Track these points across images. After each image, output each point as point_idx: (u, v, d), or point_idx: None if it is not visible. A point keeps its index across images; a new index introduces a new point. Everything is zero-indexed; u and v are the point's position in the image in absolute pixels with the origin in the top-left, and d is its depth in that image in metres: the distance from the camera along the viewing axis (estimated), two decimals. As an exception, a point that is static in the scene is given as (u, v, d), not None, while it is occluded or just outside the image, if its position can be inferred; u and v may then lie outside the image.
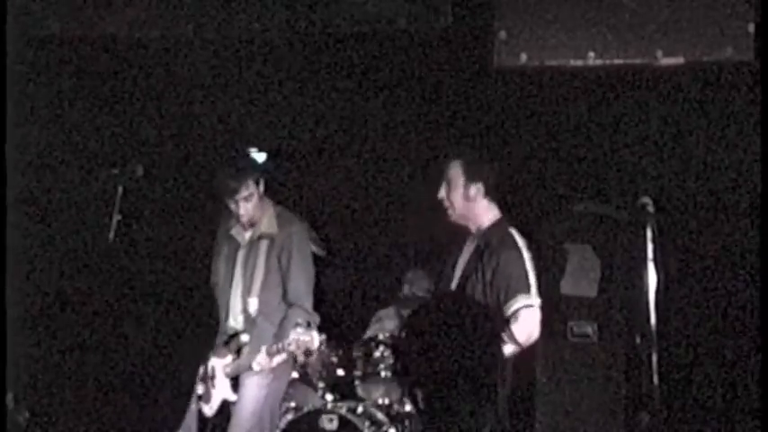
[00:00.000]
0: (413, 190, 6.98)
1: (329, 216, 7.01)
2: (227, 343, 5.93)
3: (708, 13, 5.95)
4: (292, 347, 5.57)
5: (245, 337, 5.84)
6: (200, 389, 5.97)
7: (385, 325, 6.81)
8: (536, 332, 5.16)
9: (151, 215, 7.16)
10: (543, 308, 5.20)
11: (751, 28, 5.87)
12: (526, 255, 5.18)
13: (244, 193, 5.77)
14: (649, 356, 4.94)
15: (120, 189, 5.83)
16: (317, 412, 6.18)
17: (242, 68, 7.00)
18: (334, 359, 6.42)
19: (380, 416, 6.25)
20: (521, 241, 5.23)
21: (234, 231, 6.00)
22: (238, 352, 5.87)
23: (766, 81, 5.73)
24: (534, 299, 5.15)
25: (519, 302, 5.10)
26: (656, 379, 4.89)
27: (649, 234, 4.95)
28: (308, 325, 5.64)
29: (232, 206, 5.82)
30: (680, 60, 5.99)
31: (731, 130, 6.28)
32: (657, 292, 4.97)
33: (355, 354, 6.48)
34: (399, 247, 7.18)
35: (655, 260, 4.94)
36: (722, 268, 6.27)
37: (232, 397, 5.87)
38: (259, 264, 5.88)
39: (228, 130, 7.09)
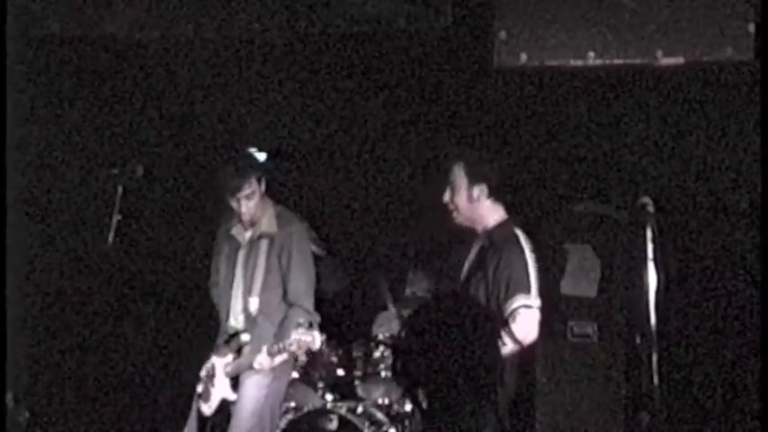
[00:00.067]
0: (413, 190, 6.98)
1: (329, 216, 7.01)
2: (227, 342, 5.93)
3: (708, 13, 5.95)
4: (294, 347, 5.57)
5: (245, 337, 5.84)
6: (199, 387, 5.98)
7: (387, 327, 6.82)
8: (534, 333, 5.17)
9: (151, 215, 7.16)
10: (543, 309, 5.20)
11: (751, 28, 5.86)
12: (529, 255, 5.19)
13: (246, 191, 5.77)
14: (649, 356, 4.94)
15: (120, 189, 5.83)
16: (317, 412, 6.18)
17: (242, 68, 7.00)
18: (334, 359, 6.43)
19: (380, 416, 6.25)
20: (525, 242, 5.24)
21: (234, 231, 6.00)
22: (239, 351, 5.87)
23: (766, 81, 5.73)
24: (534, 300, 5.15)
25: (517, 302, 5.11)
26: (656, 379, 4.89)
27: (649, 234, 4.95)
28: (310, 325, 5.64)
29: (233, 204, 5.83)
30: (680, 60, 5.99)
31: (731, 130, 6.27)
32: (657, 292, 4.97)
33: (355, 354, 6.48)
34: (399, 247, 7.18)
35: (655, 260, 4.94)
36: (722, 268, 6.26)
37: (231, 396, 5.87)
38: (260, 263, 5.88)
39: (228, 130, 7.09)
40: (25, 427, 6.33)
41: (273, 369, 5.77)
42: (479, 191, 5.27)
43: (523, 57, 6.14)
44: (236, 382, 5.90)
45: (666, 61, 6.00)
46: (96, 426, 7.02)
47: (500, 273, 5.16)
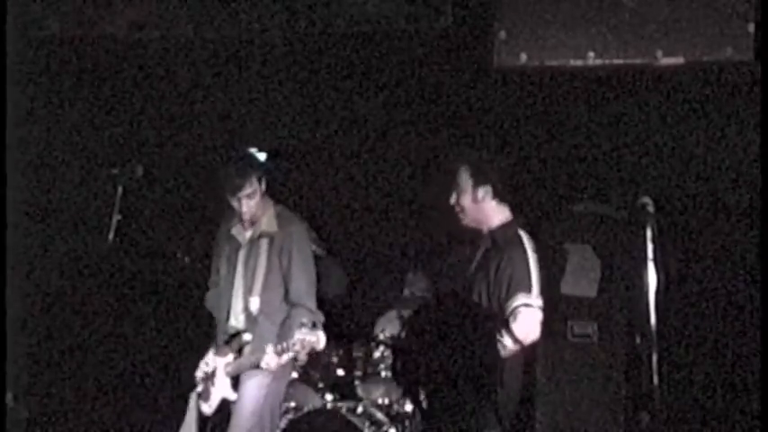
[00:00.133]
0: (413, 190, 6.98)
1: (329, 216, 7.01)
2: (228, 342, 5.93)
3: (708, 13, 5.95)
4: (298, 347, 5.57)
5: (246, 336, 5.84)
6: (199, 387, 5.97)
7: (388, 329, 6.82)
8: (535, 332, 5.16)
9: (151, 215, 7.16)
10: (545, 310, 5.20)
11: (751, 28, 5.86)
12: (531, 256, 5.21)
13: (247, 190, 5.77)
14: (649, 356, 4.94)
15: (120, 189, 5.83)
16: (317, 412, 6.18)
17: (242, 68, 7.00)
18: (335, 359, 6.43)
19: (380, 416, 6.26)
20: (528, 242, 5.25)
21: (235, 230, 6.00)
22: (239, 351, 5.87)
23: (766, 81, 5.73)
24: (535, 299, 5.16)
25: (518, 300, 5.11)
26: (656, 379, 4.90)
27: (649, 234, 4.95)
28: (314, 325, 5.65)
29: (234, 204, 5.83)
30: (680, 60, 5.99)
31: (731, 130, 6.27)
32: (657, 292, 4.97)
33: (355, 354, 6.48)
34: (399, 247, 7.18)
35: (655, 260, 4.94)
36: (722, 268, 6.26)
37: (232, 396, 5.87)
38: (260, 263, 5.88)
39: (228, 130, 7.09)
40: (25, 426, 6.33)
41: (274, 369, 5.77)
42: (484, 192, 5.31)
43: (523, 57, 6.14)
44: (236, 382, 5.89)
45: (666, 61, 6.00)
46: (96, 426, 7.02)
47: (501, 272, 5.17)
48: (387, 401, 6.34)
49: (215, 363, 5.94)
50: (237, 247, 5.99)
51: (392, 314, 7.05)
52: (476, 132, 6.77)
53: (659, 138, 6.47)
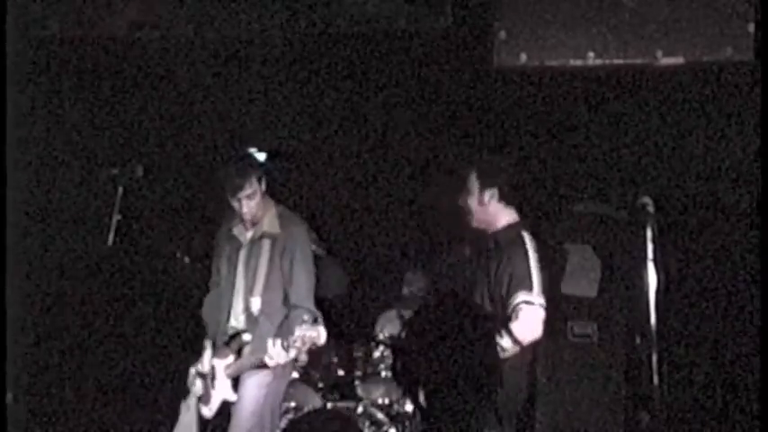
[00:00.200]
0: (413, 190, 6.99)
1: (329, 216, 7.02)
2: (228, 343, 5.92)
3: (708, 13, 5.95)
4: (299, 344, 5.55)
5: (246, 337, 5.82)
6: (199, 390, 5.96)
7: (388, 329, 6.82)
8: (536, 331, 5.16)
9: (151, 215, 7.16)
10: (547, 309, 5.20)
11: (751, 28, 5.86)
12: (532, 255, 5.22)
13: (247, 190, 5.77)
14: (649, 356, 4.95)
15: (120, 189, 5.83)
16: (317, 412, 6.19)
17: (242, 68, 7.01)
18: (335, 359, 6.43)
19: (380, 416, 6.26)
20: (530, 243, 5.26)
21: (236, 231, 5.99)
22: (239, 352, 5.86)
23: (766, 81, 5.73)
24: (536, 297, 5.15)
25: (519, 298, 5.12)
26: (656, 379, 4.91)
27: (649, 234, 4.96)
28: (315, 321, 5.64)
29: (235, 204, 5.82)
30: (680, 60, 5.99)
31: (731, 130, 6.28)
32: (657, 292, 4.98)
33: (355, 354, 6.49)
34: (399, 247, 7.18)
35: (655, 260, 4.95)
36: (722, 268, 6.27)
37: (232, 397, 5.86)
38: (261, 263, 5.87)
39: (228, 130, 7.09)
40: (25, 427, 6.33)
41: (274, 369, 5.76)
42: (490, 195, 5.35)
43: (523, 57, 6.14)
44: (235, 383, 5.89)
45: (666, 61, 6.00)
46: (96, 425, 7.01)
47: (502, 271, 5.19)
48: (387, 401, 6.34)
49: (214, 364, 5.93)
50: (238, 246, 5.98)
51: (392, 313, 7.06)
52: (476, 132, 6.77)
53: (659, 138, 6.48)
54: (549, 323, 5.30)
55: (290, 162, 7.02)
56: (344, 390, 6.45)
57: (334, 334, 6.20)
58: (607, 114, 6.55)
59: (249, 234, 5.95)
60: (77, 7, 6.69)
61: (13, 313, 5.88)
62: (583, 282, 5.95)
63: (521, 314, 5.10)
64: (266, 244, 5.88)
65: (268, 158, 6.34)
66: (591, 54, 6.08)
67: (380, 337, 6.55)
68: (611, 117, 6.54)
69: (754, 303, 5.77)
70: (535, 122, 6.71)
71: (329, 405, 6.25)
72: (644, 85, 6.34)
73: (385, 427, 6.19)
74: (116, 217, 5.81)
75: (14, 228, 6.04)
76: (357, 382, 6.48)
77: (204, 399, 5.93)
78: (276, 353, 5.61)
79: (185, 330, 7.04)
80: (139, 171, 5.93)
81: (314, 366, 6.41)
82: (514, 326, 5.07)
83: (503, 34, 6.14)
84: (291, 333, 5.61)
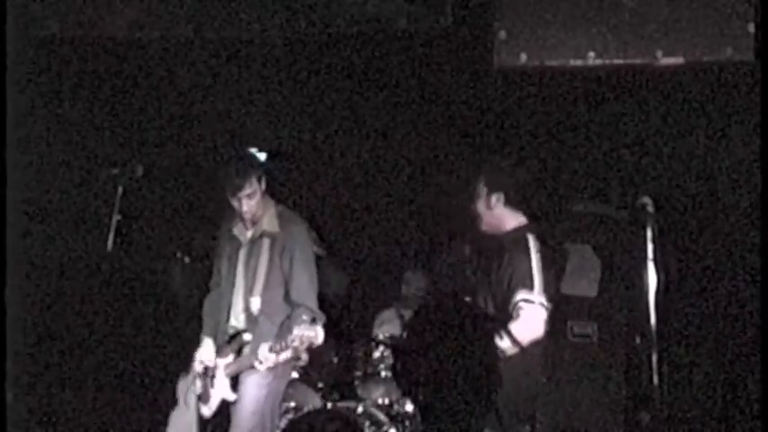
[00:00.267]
0: (413, 190, 6.99)
1: (329, 216, 7.02)
2: (228, 342, 5.92)
3: (708, 13, 5.95)
4: (296, 343, 5.55)
5: (247, 336, 5.83)
6: (198, 389, 5.96)
7: (387, 328, 6.82)
8: (538, 329, 5.16)
9: (151, 215, 7.16)
10: (548, 308, 5.20)
11: (751, 28, 5.87)
12: (534, 256, 5.23)
13: (247, 190, 5.77)
14: (649, 356, 4.94)
15: (120, 189, 5.83)
16: (317, 412, 6.18)
17: (242, 68, 7.01)
18: (335, 359, 6.43)
19: (380, 416, 6.26)
20: (533, 244, 5.27)
21: (236, 230, 6.00)
22: (239, 351, 5.86)
23: (766, 81, 5.73)
24: (537, 296, 5.15)
25: (519, 296, 5.12)
26: (656, 379, 4.90)
27: (649, 234, 4.96)
28: (313, 321, 5.64)
29: (235, 204, 5.83)
30: (680, 60, 6.00)
31: (731, 130, 6.28)
32: (657, 292, 4.97)
33: (355, 354, 6.48)
34: (399, 247, 7.18)
35: (655, 260, 4.95)
36: (722, 268, 6.27)
37: (231, 397, 5.86)
38: (261, 262, 5.87)
39: (228, 130, 7.09)
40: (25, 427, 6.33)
41: (273, 369, 5.76)
42: (496, 198, 5.38)
43: (523, 57, 6.14)
44: (235, 383, 5.89)
45: (666, 61, 6.00)
46: (96, 425, 7.02)
47: (503, 271, 5.20)
48: (387, 401, 6.34)
49: (215, 363, 5.93)
50: (238, 246, 5.98)
51: (392, 313, 7.06)
52: (475, 132, 6.77)
53: (659, 138, 6.48)
54: (549, 323, 5.30)
55: (290, 162, 7.01)
56: (344, 390, 6.45)
57: (334, 334, 6.20)
58: (607, 114, 6.55)
59: (249, 233, 5.95)
60: (77, 7, 6.70)
61: (13, 313, 5.89)
62: (583, 282, 5.95)
63: (521, 313, 5.10)
64: (266, 243, 5.88)
65: (268, 158, 6.33)
66: (591, 54, 6.08)
67: (380, 336, 6.54)
68: (611, 117, 6.54)
69: (754, 303, 5.78)
70: (535, 122, 6.71)
71: (329, 405, 6.25)
72: (644, 85, 6.35)
73: (385, 427, 6.19)
74: (116, 217, 5.80)
75: (14, 228, 6.04)
76: (357, 382, 6.47)
77: (203, 398, 5.93)
78: (264, 356, 5.63)
79: (185, 330, 7.04)
80: (139, 171, 5.92)
81: (314, 366, 6.41)
82: (514, 325, 5.07)
83: (503, 34, 6.14)
84: (291, 332, 5.62)
